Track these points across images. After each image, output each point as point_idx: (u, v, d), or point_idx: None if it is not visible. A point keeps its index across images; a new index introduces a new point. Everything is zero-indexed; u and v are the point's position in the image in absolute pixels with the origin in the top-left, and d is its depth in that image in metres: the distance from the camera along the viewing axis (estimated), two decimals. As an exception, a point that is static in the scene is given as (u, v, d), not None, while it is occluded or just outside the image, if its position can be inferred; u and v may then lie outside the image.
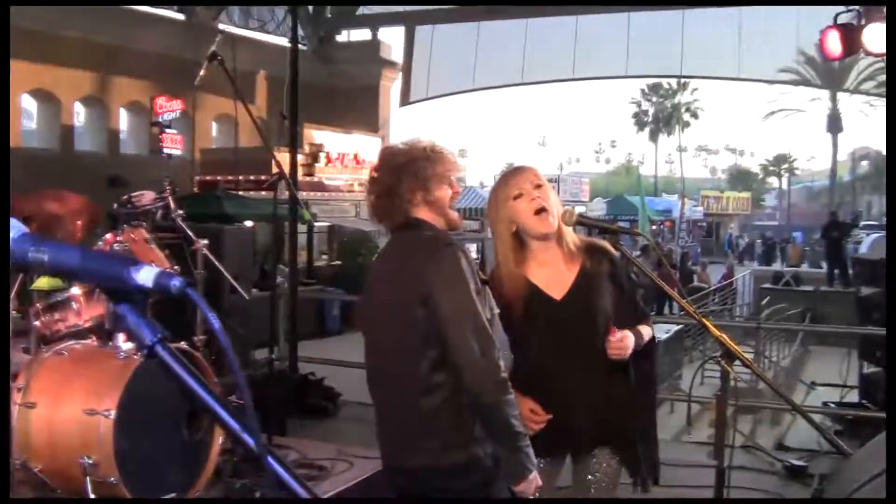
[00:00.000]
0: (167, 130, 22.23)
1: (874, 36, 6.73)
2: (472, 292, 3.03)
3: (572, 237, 3.68)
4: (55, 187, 5.33)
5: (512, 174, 3.68)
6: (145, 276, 1.28)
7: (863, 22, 6.82)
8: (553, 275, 3.61)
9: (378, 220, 3.31)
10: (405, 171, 3.18)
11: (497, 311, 3.23)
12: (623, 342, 3.49)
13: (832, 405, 9.57)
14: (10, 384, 3.89)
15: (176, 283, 1.28)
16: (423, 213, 3.21)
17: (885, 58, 7.18)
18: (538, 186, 3.58)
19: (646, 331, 3.65)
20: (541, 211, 3.53)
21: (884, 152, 75.59)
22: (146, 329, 1.30)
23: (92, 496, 3.75)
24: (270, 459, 1.30)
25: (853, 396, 9.68)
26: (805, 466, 6.15)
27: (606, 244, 3.70)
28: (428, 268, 3.07)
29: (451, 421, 3.07)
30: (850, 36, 6.89)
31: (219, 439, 4.42)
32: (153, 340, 1.30)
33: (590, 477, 3.63)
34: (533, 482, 3.10)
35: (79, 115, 24.95)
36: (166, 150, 22.01)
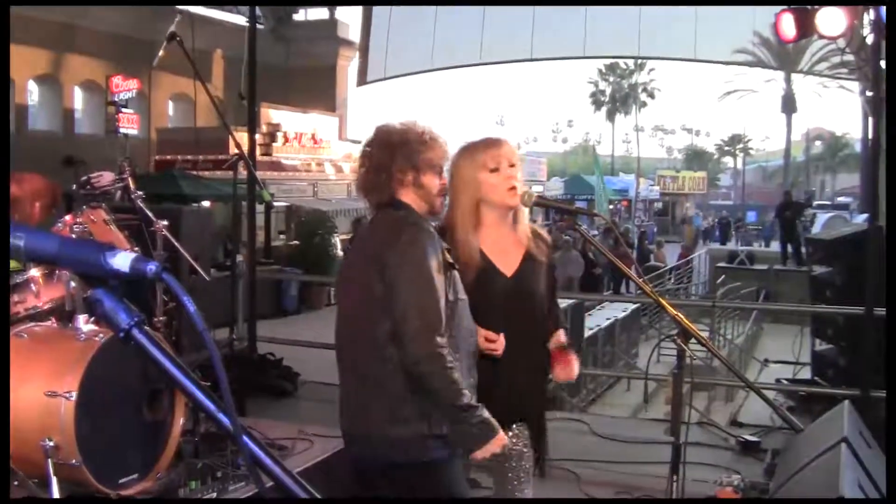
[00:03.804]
0: (123, 110, 21.97)
1: (827, 19, 6.83)
2: (430, 271, 3.08)
3: (527, 221, 3.78)
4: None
5: (492, 144, 3.69)
6: (121, 261, 1.30)
7: (816, 5, 6.91)
8: (502, 251, 3.67)
9: (364, 194, 3.35)
10: (399, 151, 3.22)
11: (464, 297, 3.28)
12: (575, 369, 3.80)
13: (785, 382, 9.71)
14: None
15: (152, 267, 1.30)
16: (408, 196, 3.26)
17: (838, 40, 7.30)
18: (513, 165, 3.64)
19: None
20: (511, 190, 3.59)
21: (837, 132, 76.65)
22: (123, 313, 1.32)
23: (54, 479, 3.74)
24: (245, 438, 1.33)
25: (805, 373, 9.82)
26: (758, 442, 6.26)
27: (546, 234, 3.87)
28: (388, 243, 3.13)
29: (400, 395, 3.13)
30: (804, 19, 6.97)
31: (180, 420, 4.42)
32: (130, 324, 1.32)
33: (514, 449, 3.69)
34: (494, 444, 3.13)
35: (32, 93, 24.63)
36: (122, 130, 21.76)
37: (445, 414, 3.12)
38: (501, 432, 3.16)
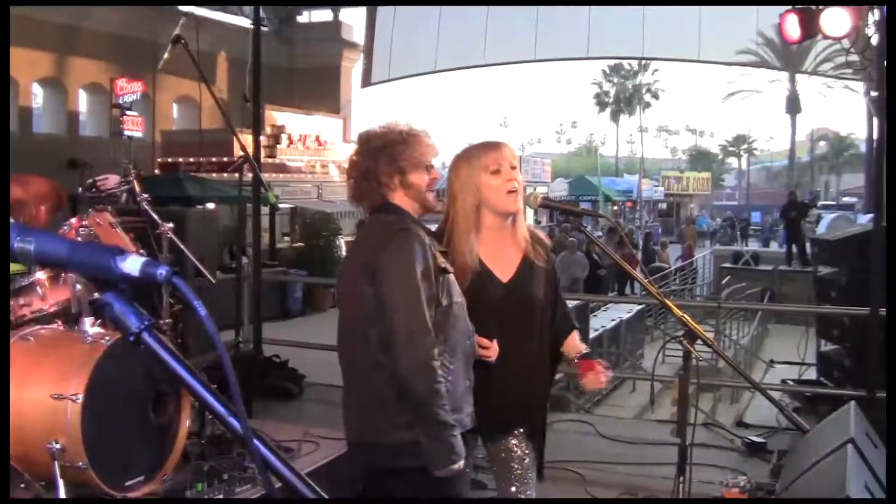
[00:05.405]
0: (128, 112, 21.90)
1: (832, 19, 6.81)
2: (418, 278, 3.07)
3: (525, 224, 3.78)
4: (14, 171, 5.24)
5: (493, 147, 3.68)
6: (131, 265, 1.30)
7: (820, 6, 6.90)
8: (500, 256, 3.66)
9: (356, 202, 3.37)
10: (381, 155, 3.23)
11: (460, 299, 3.27)
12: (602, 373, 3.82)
13: (790, 382, 9.69)
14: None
15: (162, 271, 1.30)
16: (398, 198, 3.26)
17: (843, 40, 7.29)
18: (513, 167, 3.64)
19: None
20: (513, 192, 3.59)
21: (842, 133, 76.57)
22: (133, 316, 1.32)
23: (60, 481, 3.75)
24: (256, 442, 1.33)
25: (811, 374, 9.81)
26: (764, 443, 6.26)
27: (546, 237, 3.89)
28: (377, 249, 3.14)
29: (397, 401, 3.12)
30: (809, 19, 6.96)
31: (186, 422, 4.43)
32: (140, 327, 1.33)
33: (515, 452, 3.68)
34: (451, 471, 3.08)
35: (36, 96, 24.61)
36: (127, 133, 21.71)
37: (423, 424, 3.07)
38: (463, 462, 3.10)
